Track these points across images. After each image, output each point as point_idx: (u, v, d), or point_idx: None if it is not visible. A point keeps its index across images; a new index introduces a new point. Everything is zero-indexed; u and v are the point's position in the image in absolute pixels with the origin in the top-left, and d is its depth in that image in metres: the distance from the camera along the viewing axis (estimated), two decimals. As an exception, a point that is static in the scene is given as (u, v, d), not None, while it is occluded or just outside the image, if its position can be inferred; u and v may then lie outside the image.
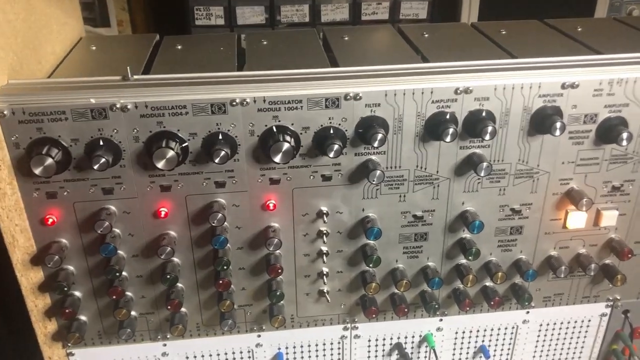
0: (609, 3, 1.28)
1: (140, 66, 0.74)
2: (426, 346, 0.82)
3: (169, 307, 0.70)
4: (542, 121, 0.66)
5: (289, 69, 0.67)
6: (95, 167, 0.60)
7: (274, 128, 0.63)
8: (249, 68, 0.73)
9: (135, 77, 0.64)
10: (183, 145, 0.63)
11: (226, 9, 1.37)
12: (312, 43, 0.85)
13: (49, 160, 0.59)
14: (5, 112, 0.59)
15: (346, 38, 0.86)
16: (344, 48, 0.82)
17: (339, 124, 0.64)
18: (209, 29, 1.37)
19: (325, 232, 0.71)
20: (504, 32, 0.86)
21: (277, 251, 0.70)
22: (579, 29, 0.86)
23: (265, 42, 0.84)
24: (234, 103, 0.62)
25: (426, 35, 0.85)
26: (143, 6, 1.55)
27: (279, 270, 0.70)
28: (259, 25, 1.39)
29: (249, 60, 0.77)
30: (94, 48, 0.83)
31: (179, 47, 0.82)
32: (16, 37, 0.65)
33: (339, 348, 0.80)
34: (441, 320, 0.80)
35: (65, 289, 0.67)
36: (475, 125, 0.65)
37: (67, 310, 0.69)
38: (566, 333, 0.84)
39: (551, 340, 0.84)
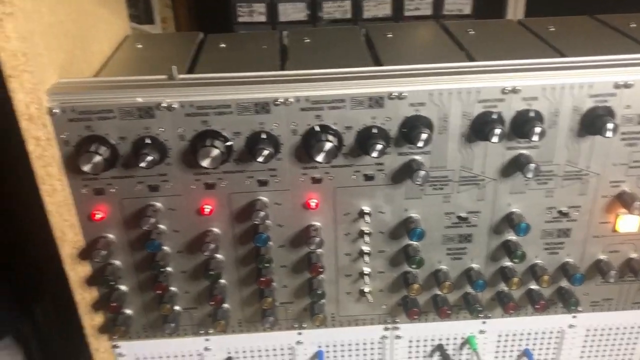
0: (664, -3, 1.23)
1: (185, 65, 0.75)
2: (468, 348, 0.80)
3: (212, 302, 0.71)
4: (593, 122, 0.63)
5: (332, 67, 0.66)
6: (142, 164, 0.61)
7: (317, 127, 0.63)
8: (291, 67, 0.73)
9: (181, 76, 0.65)
10: (227, 144, 0.63)
11: (268, 5, 1.37)
12: (354, 41, 0.84)
13: (97, 158, 0.61)
14: (56, 111, 0.61)
15: (389, 35, 0.85)
16: (388, 46, 0.81)
17: (383, 124, 0.64)
18: (252, 25, 1.37)
19: (367, 232, 0.70)
20: (552, 29, 0.83)
21: (319, 250, 0.70)
22: (632, 25, 0.83)
23: (307, 40, 0.84)
24: (277, 102, 0.62)
25: (471, 33, 0.84)
26: (186, 3, 1.57)
27: (320, 269, 0.70)
28: (301, 22, 1.39)
29: (291, 59, 0.77)
30: (139, 46, 0.84)
31: (223, 45, 0.83)
32: (67, 37, 0.67)
33: (379, 348, 0.80)
34: (484, 322, 0.79)
35: (112, 283, 0.69)
36: (523, 125, 0.63)
37: (113, 304, 0.70)
38: (615, 339, 0.81)
39: (599, 346, 0.82)
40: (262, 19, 1.36)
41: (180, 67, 0.73)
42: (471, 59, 0.73)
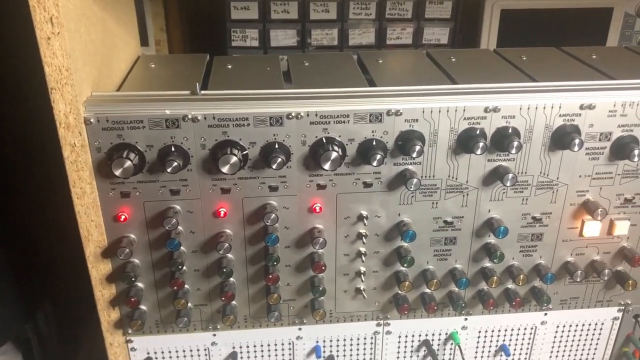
0: (620, 33, 1.37)
1: (198, 82, 0.83)
2: (452, 343, 0.89)
3: (223, 298, 0.78)
4: (562, 138, 0.73)
5: (334, 87, 0.75)
6: (169, 170, 0.68)
7: (324, 139, 0.72)
8: (297, 86, 0.82)
9: (203, 92, 0.73)
10: (244, 152, 0.71)
11: (261, 31, 1.46)
12: (349, 65, 0.93)
13: (128, 163, 0.68)
14: (91, 120, 0.68)
15: (380, 61, 0.94)
16: (379, 70, 0.90)
17: (381, 137, 0.72)
18: (245, 50, 1.46)
19: (364, 234, 0.78)
20: (524, 58, 0.94)
21: (321, 250, 0.78)
22: (594, 57, 0.94)
23: (307, 64, 0.92)
24: (290, 116, 0.70)
25: (453, 60, 0.94)
26: (180, 27, 1.65)
27: (323, 268, 0.77)
28: (291, 47, 1.48)
29: (295, 79, 0.85)
30: (152, 66, 0.92)
31: (229, 66, 0.91)
32: (97, 55, 0.74)
33: (371, 343, 0.88)
34: (466, 319, 0.87)
35: (133, 279, 0.75)
36: (502, 140, 0.73)
37: (132, 299, 0.76)
38: (581, 335, 0.91)
39: (567, 341, 0.91)
40: (255, 44, 1.45)
41: (194, 85, 0.81)
42: (454, 82, 0.83)
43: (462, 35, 1.49)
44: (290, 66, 0.92)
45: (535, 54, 0.96)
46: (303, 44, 1.46)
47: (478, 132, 0.73)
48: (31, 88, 0.74)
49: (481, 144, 0.71)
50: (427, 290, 0.83)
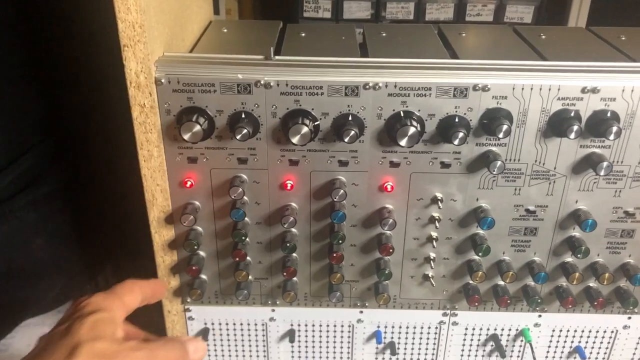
0: None
1: (271, 49, 0.79)
2: (522, 340, 0.83)
3: (284, 274, 0.75)
4: (669, 125, 0.66)
5: (415, 59, 0.70)
6: (238, 137, 0.65)
7: (402, 113, 0.67)
8: (374, 56, 0.77)
9: (277, 57, 0.69)
10: (315, 123, 0.67)
11: (334, 2, 1.41)
12: (430, 37, 0.87)
13: (197, 127, 0.65)
14: (162, 81, 0.66)
15: (463, 34, 0.88)
16: (463, 44, 0.84)
17: (465, 114, 0.67)
18: (317, 21, 1.42)
19: (437, 217, 0.74)
20: (623, 38, 0.86)
21: (390, 232, 0.74)
22: (703, 38, 0.84)
23: (384, 34, 0.87)
24: (367, 87, 0.66)
25: (543, 37, 0.86)
26: (252, -4, 1.62)
27: (390, 250, 0.73)
28: (364, 20, 1.43)
29: (371, 50, 0.81)
30: (225, 30, 0.89)
31: (303, 34, 0.87)
32: (171, 14, 0.72)
33: (435, 333, 0.83)
34: (540, 316, 0.81)
35: (195, 247, 0.73)
36: (600, 124, 0.66)
37: (194, 268, 0.75)
38: (667, 343, 0.83)
39: (651, 349, 0.84)
40: (328, 15, 1.41)
41: (268, 50, 0.77)
42: (544, 60, 0.76)
43: (547, 14, 1.40)
44: (366, 37, 0.87)
45: (635, 33, 0.87)
46: (377, 17, 1.40)
47: (573, 114, 0.66)
48: (101, 46, 0.72)
49: (575, 128, 0.64)
50: (501, 283, 0.77)
